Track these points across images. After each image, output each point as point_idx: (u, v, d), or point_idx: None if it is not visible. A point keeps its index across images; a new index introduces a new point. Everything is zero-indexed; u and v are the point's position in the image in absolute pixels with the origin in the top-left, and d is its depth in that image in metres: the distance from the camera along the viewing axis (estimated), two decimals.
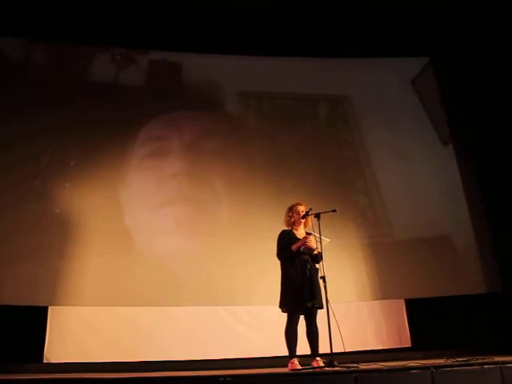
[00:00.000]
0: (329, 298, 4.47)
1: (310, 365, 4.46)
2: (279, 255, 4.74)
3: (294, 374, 4.17)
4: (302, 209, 4.83)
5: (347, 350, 4.60)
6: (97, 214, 6.39)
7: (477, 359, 4.33)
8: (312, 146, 7.31)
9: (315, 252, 4.68)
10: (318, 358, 4.49)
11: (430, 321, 6.35)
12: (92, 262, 6.17)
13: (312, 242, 4.64)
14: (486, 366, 4.07)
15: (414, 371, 3.99)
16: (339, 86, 7.65)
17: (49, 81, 6.93)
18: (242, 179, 6.90)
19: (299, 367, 4.40)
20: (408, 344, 6.50)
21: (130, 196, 6.61)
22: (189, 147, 6.96)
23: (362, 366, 4.28)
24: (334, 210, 4.70)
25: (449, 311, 6.34)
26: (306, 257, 4.66)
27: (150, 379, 3.99)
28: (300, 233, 4.81)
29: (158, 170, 6.80)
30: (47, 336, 5.78)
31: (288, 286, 4.61)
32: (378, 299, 6.65)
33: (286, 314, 4.62)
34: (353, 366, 4.21)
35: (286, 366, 4.47)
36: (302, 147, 7.26)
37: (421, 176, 7.30)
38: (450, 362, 4.32)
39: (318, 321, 4.61)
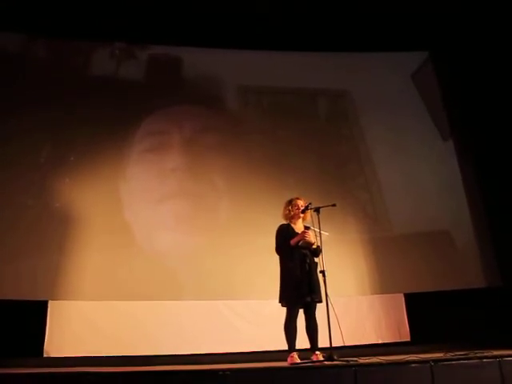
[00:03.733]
0: (328, 292, 4.48)
1: (309, 359, 4.48)
2: (278, 249, 4.74)
3: (294, 368, 4.19)
4: (301, 203, 4.84)
5: (346, 344, 4.62)
6: (97, 208, 6.40)
7: (476, 353, 4.34)
8: (312, 142, 7.29)
9: (314, 246, 4.68)
10: (317, 352, 4.50)
11: (429, 315, 6.34)
12: (92, 257, 6.18)
13: (310, 236, 4.65)
14: (484, 360, 4.08)
15: (413, 365, 4.01)
16: (339, 81, 7.63)
17: (48, 76, 6.92)
18: (242, 174, 6.90)
19: (299, 361, 4.41)
20: (407, 338, 6.51)
21: (129, 191, 6.62)
22: (189, 142, 6.96)
23: (362, 360, 4.29)
24: (334, 205, 4.72)
25: (448, 305, 6.33)
26: (304, 251, 4.66)
27: (149, 373, 4.01)
28: (298, 227, 4.81)
29: (157, 164, 6.80)
30: (47, 330, 5.80)
31: (287, 281, 4.62)
32: (377, 293, 6.66)
33: (285, 309, 4.63)
34: (352, 360, 4.22)
35: (286, 360, 4.47)
36: (301, 142, 7.25)
37: (421, 171, 7.29)
38: (448, 355, 4.33)
39: (317, 315, 4.62)
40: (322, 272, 4.53)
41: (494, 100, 7.26)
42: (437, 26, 7.38)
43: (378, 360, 4.28)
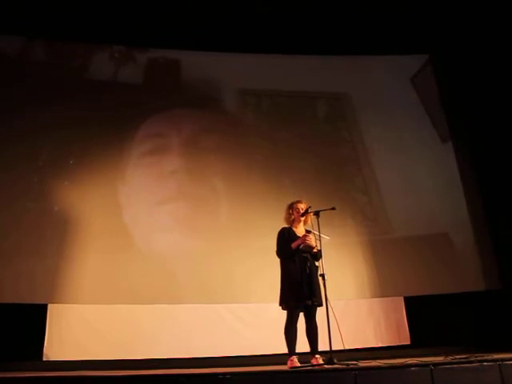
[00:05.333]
0: (328, 295, 4.48)
1: (309, 362, 4.47)
2: (279, 253, 4.74)
3: (294, 372, 4.18)
4: (301, 206, 4.83)
5: (346, 348, 4.60)
6: (96, 211, 6.39)
7: (476, 356, 4.33)
8: (311, 144, 7.30)
9: (315, 250, 4.68)
10: (317, 356, 4.50)
11: (428, 318, 6.36)
12: (91, 260, 6.17)
13: (312, 240, 4.64)
14: (484, 364, 4.07)
15: (413, 368, 3.99)
16: (338, 84, 7.64)
17: (48, 78, 6.92)
18: (241, 176, 6.91)
19: (298, 365, 4.41)
20: (407, 341, 6.52)
21: (129, 193, 6.61)
22: (188, 144, 6.96)
23: (362, 364, 4.30)
24: (334, 208, 4.71)
25: (448, 308, 6.34)
26: (305, 254, 4.66)
27: (149, 377, 3.99)
28: (300, 230, 4.81)
29: (156, 167, 6.81)
30: (46, 334, 5.79)
31: (288, 284, 4.62)
32: (377, 297, 6.67)
33: (285, 312, 4.63)
34: (352, 364, 4.23)
35: (286, 363, 4.47)
36: (300, 144, 7.27)
37: (419, 173, 7.30)
38: (448, 359, 4.35)
39: (317, 318, 4.62)
40: (322, 275, 4.53)
41: (492, 102, 7.27)
42: (437, 29, 7.41)
43: (378, 363, 4.27)
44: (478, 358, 4.22)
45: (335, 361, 4.29)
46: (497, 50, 7.14)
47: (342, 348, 4.50)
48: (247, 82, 7.46)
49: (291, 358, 4.46)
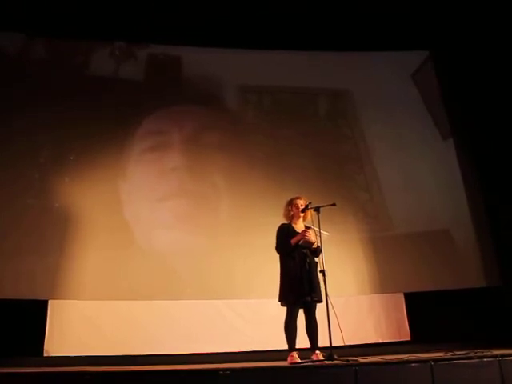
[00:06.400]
0: (328, 291, 4.48)
1: (309, 358, 4.48)
2: (278, 249, 4.75)
3: (294, 368, 4.19)
4: (301, 202, 4.84)
5: (347, 344, 4.61)
6: (97, 208, 6.39)
7: (476, 352, 4.36)
8: (312, 141, 7.29)
9: (314, 246, 4.69)
10: (317, 352, 4.51)
11: (429, 314, 6.36)
12: (92, 256, 6.18)
13: (311, 236, 4.65)
14: (484, 360, 4.10)
15: (413, 364, 4.02)
16: (339, 80, 7.62)
17: (48, 75, 6.91)
18: (242, 173, 6.90)
19: (299, 360, 4.42)
20: (407, 337, 6.51)
21: (129, 190, 6.61)
22: (189, 142, 6.96)
23: (362, 360, 4.31)
24: (334, 204, 4.71)
25: (448, 305, 6.34)
26: (305, 250, 4.66)
27: (149, 372, 4.01)
28: (299, 226, 4.82)
29: (158, 164, 6.80)
30: (47, 330, 5.81)
31: (287, 280, 4.62)
32: (377, 293, 6.65)
33: (285, 308, 4.63)
34: (352, 360, 4.24)
35: (286, 359, 4.48)
36: (301, 141, 7.25)
37: (421, 170, 7.29)
38: (448, 355, 4.35)
39: (317, 314, 4.63)
40: (322, 271, 4.54)
41: (494, 99, 7.25)
42: (437, 25, 7.39)
43: (378, 359, 4.29)
44: (478, 354, 4.26)
45: (335, 357, 4.29)
46: (498, 46, 7.13)
47: (342, 344, 4.51)
48: (248, 79, 7.44)
49: (291, 354, 4.47)
